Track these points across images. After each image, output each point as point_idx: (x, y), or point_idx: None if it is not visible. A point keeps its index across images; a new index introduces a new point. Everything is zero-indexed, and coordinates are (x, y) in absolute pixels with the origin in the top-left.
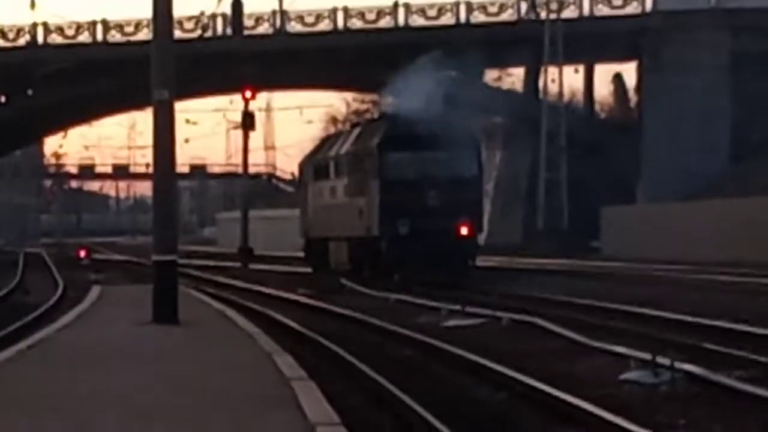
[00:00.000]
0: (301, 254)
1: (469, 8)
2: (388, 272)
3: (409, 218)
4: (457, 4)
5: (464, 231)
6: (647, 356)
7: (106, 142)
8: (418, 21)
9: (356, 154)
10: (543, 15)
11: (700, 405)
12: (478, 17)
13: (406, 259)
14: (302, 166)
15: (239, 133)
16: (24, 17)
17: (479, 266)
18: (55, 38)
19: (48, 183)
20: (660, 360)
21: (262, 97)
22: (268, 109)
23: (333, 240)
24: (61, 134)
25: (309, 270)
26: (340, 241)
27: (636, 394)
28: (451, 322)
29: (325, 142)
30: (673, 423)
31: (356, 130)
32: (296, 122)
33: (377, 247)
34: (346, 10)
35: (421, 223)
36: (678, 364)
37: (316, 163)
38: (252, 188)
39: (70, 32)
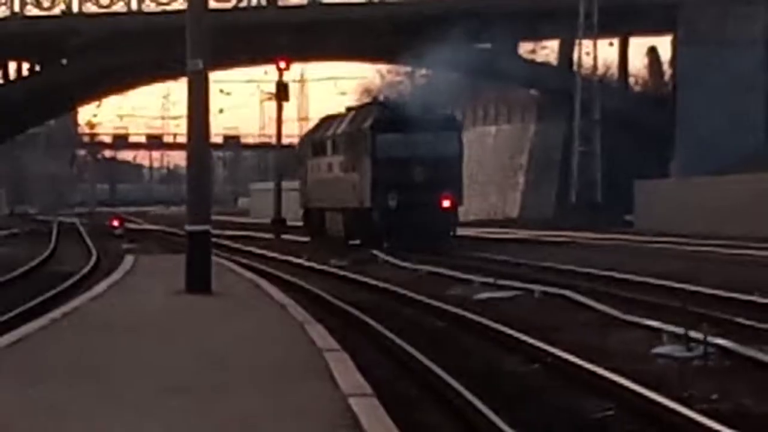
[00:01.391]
0: None
1: None
2: (379, 239)
3: (397, 192)
4: None
5: (446, 204)
6: (680, 330)
7: (140, 112)
8: None
9: (351, 134)
10: None
11: (733, 379)
12: None
13: (394, 228)
14: (301, 143)
15: (273, 104)
16: None
17: (510, 239)
18: (90, 7)
19: (82, 152)
20: (693, 334)
21: (296, 68)
22: (302, 80)
23: (329, 210)
24: (95, 104)
25: (307, 238)
26: (336, 212)
27: (668, 367)
28: (483, 295)
29: (323, 123)
30: (705, 397)
31: (351, 113)
32: (330, 94)
33: (369, 217)
34: None
35: (408, 196)
36: (711, 339)
37: (314, 142)
38: (285, 159)
39: (104, 1)
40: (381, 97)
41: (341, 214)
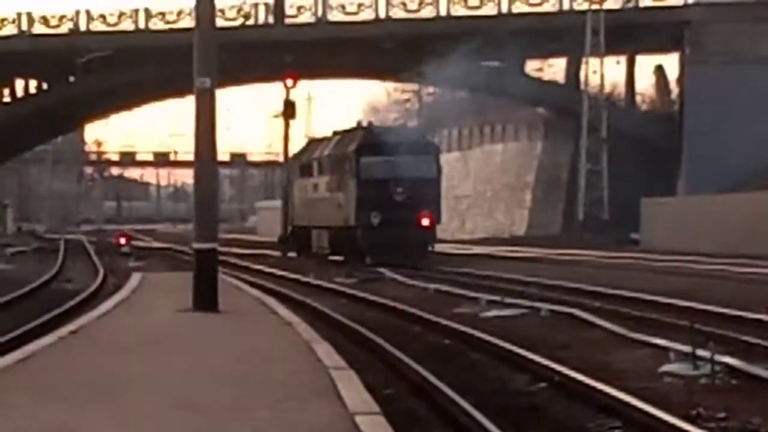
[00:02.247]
0: None
1: None
2: (362, 255)
3: (380, 211)
4: None
5: (425, 222)
6: (687, 348)
7: (147, 130)
8: (460, 11)
9: (336, 157)
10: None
11: (740, 397)
12: (520, 7)
13: (377, 244)
14: (289, 165)
15: (280, 121)
16: (67, 4)
17: (515, 257)
18: (98, 25)
19: (89, 170)
20: (700, 352)
21: (304, 86)
22: (309, 98)
23: (315, 228)
24: (102, 121)
25: (294, 254)
26: (321, 230)
27: (675, 386)
28: (490, 313)
29: (309, 146)
30: (712, 415)
31: (336, 137)
32: (337, 111)
33: (353, 235)
34: None
35: (390, 215)
36: (718, 357)
37: (301, 163)
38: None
39: (112, 19)
40: (365, 123)
41: (326, 232)
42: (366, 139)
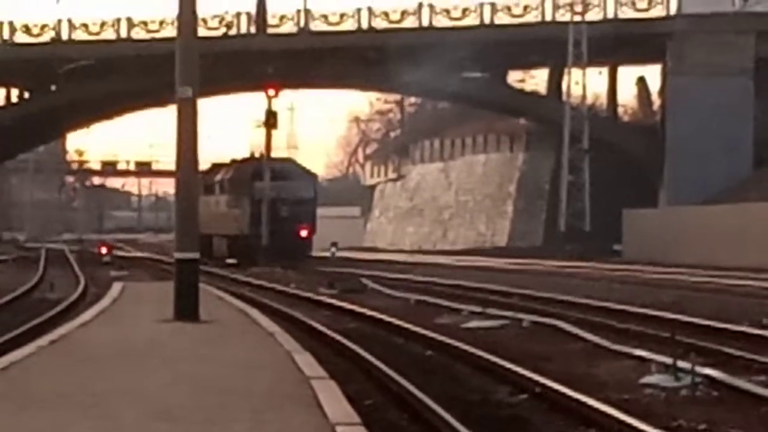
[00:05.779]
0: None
1: (494, 9)
2: (254, 258)
3: (269, 224)
4: (482, 5)
5: (303, 233)
6: (668, 360)
7: (129, 139)
8: (442, 21)
9: (235, 180)
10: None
11: (721, 409)
12: (503, 18)
13: (265, 250)
14: None
15: (262, 131)
16: (49, 13)
17: (501, 269)
18: (80, 34)
19: (70, 179)
20: (681, 364)
21: (286, 96)
22: (291, 108)
23: (216, 236)
24: (84, 130)
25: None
26: (221, 238)
27: (657, 397)
28: (472, 324)
29: (212, 170)
30: (693, 427)
31: (235, 164)
32: (319, 121)
33: (247, 242)
34: (370, 9)
35: (276, 227)
36: (699, 369)
37: (205, 184)
38: None
39: (94, 29)
40: (257, 154)
41: (225, 240)
42: (258, 168)
